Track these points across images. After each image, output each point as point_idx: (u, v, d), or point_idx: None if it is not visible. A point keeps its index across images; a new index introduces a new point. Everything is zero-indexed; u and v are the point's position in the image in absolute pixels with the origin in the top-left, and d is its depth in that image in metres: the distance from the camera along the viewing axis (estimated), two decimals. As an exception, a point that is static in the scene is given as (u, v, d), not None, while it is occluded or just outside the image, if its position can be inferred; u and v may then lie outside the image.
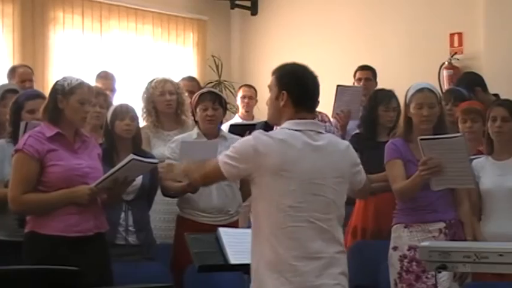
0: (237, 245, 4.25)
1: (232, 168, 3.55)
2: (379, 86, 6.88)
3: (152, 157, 5.04)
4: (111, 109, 5.24)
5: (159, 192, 5.33)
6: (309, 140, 3.54)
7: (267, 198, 3.50)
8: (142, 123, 5.90)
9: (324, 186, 3.52)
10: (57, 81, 4.51)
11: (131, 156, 4.49)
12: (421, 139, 4.57)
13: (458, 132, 5.28)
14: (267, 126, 6.09)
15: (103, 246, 4.54)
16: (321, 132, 3.62)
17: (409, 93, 4.84)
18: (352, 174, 3.70)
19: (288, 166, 3.47)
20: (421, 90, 4.81)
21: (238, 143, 3.63)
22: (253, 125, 6.08)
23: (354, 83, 7.18)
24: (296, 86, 3.62)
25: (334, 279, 3.50)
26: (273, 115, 3.74)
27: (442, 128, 4.80)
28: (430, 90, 4.84)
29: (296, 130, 3.55)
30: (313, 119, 3.69)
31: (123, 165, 4.42)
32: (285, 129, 3.58)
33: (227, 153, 3.59)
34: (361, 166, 3.82)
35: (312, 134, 3.57)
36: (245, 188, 5.41)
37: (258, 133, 3.57)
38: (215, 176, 3.70)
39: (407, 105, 4.83)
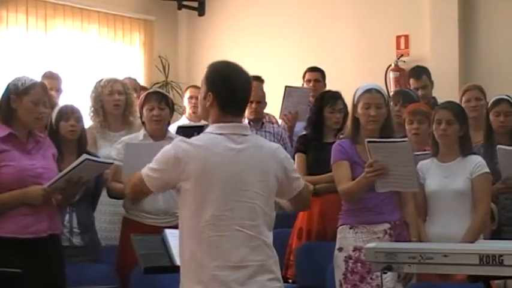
0: (182, 246, 4.21)
1: (155, 180, 3.45)
2: (327, 87, 6.90)
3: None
4: (56, 109, 5.18)
5: (104, 193, 5.28)
6: (231, 144, 3.42)
7: (189, 207, 3.40)
8: (89, 122, 5.85)
9: (248, 192, 3.41)
10: (11, 81, 4.45)
11: (84, 156, 4.45)
12: (368, 141, 4.59)
13: (405, 133, 5.33)
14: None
15: (57, 248, 4.50)
16: (245, 135, 3.50)
17: (357, 94, 4.86)
18: (284, 179, 3.56)
19: (209, 172, 3.36)
20: (369, 90, 4.83)
21: (159, 154, 3.50)
22: (201, 126, 6.04)
23: (303, 85, 7.19)
24: (222, 89, 3.47)
25: (260, 287, 3.39)
26: (201, 113, 3.66)
27: (388, 130, 4.83)
28: (378, 91, 4.86)
29: (218, 134, 3.44)
30: (240, 122, 3.56)
31: (77, 165, 4.38)
32: (207, 134, 3.47)
33: (149, 165, 3.48)
34: (297, 174, 3.71)
35: (235, 137, 3.45)
36: None
37: (177, 141, 3.47)
38: (141, 189, 3.55)
39: (354, 106, 4.85)
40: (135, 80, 7.46)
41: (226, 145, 3.42)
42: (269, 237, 3.48)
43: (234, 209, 3.38)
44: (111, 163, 4.84)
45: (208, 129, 3.51)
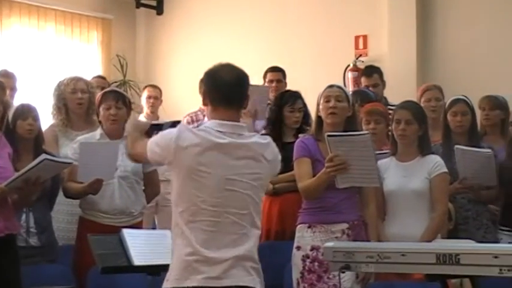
0: (141, 246, 4.20)
1: (154, 154, 3.58)
2: (287, 87, 6.90)
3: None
4: (13, 109, 5.12)
5: (61, 193, 5.23)
6: (228, 138, 3.54)
7: (183, 191, 3.51)
8: (51, 120, 5.80)
9: (241, 183, 3.53)
10: None
11: (43, 156, 4.41)
12: (329, 135, 4.59)
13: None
14: (174, 126, 6.07)
15: (13, 249, 4.45)
16: (242, 134, 3.60)
17: (321, 93, 4.86)
18: (271, 170, 3.70)
19: (205, 161, 3.47)
20: (330, 86, 4.86)
21: (165, 131, 3.65)
22: (161, 125, 6.01)
23: (264, 84, 7.18)
24: (211, 87, 3.64)
25: (246, 271, 3.50)
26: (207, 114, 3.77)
27: (351, 127, 4.82)
28: (339, 87, 4.88)
29: (217, 131, 3.54)
30: (236, 120, 3.64)
31: (35, 165, 4.34)
32: (207, 128, 3.58)
33: (155, 140, 3.62)
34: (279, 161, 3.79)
35: (232, 135, 3.56)
36: (149, 190, 5.37)
37: (182, 126, 3.61)
38: (140, 153, 3.70)
39: (318, 105, 4.86)
40: (104, 78, 7.40)
41: (225, 139, 3.53)
42: (258, 227, 3.63)
43: (226, 197, 3.50)
44: (70, 163, 4.80)
45: (207, 124, 3.62)
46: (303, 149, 4.82)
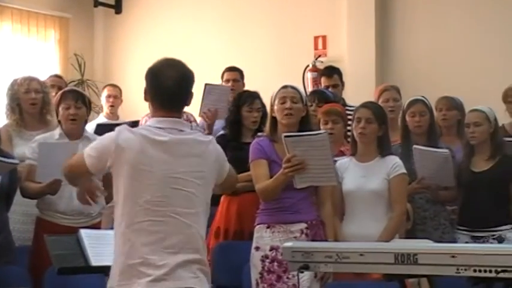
0: (98, 246, 4.16)
1: (94, 160, 3.51)
2: (246, 87, 6.89)
3: (11, 157, 4.88)
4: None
5: (18, 193, 5.17)
6: (171, 135, 3.50)
7: (126, 191, 3.46)
8: (4, 120, 5.73)
9: (184, 180, 3.48)
10: None
11: None
12: (286, 136, 4.59)
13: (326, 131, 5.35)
14: (132, 126, 6.03)
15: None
16: (183, 130, 3.57)
17: (274, 93, 4.87)
18: (216, 169, 3.66)
19: (146, 162, 3.43)
20: (284, 87, 4.86)
21: (102, 136, 3.60)
22: (118, 125, 5.97)
23: (221, 83, 7.16)
24: (151, 84, 3.59)
25: (192, 273, 3.45)
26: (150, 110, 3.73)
27: (307, 127, 4.83)
28: (293, 88, 4.88)
29: (157, 127, 3.51)
30: (179, 116, 3.61)
31: None
32: (148, 126, 3.57)
33: (91, 145, 3.57)
34: (227, 163, 3.77)
35: (173, 131, 3.53)
36: (108, 191, 5.31)
37: (121, 127, 3.55)
38: (79, 168, 3.60)
39: (272, 105, 4.85)
40: (60, 77, 7.33)
41: (167, 136, 3.49)
42: (204, 226, 3.59)
43: (169, 196, 3.45)
44: (17, 163, 4.74)
45: (148, 122, 3.59)
46: (259, 150, 4.80)
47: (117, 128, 3.54)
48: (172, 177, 3.46)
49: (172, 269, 3.39)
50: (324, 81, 7.06)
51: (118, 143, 3.44)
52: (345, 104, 6.61)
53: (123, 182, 3.45)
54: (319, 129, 5.49)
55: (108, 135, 3.52)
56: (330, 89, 6.81)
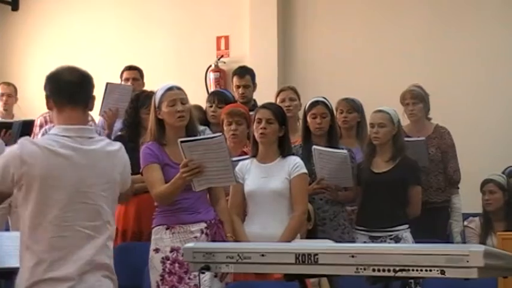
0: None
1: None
2: (146, 87, 6.83)
3: None
4: None
5: None
6: (78, 146, 3.43)
7: (32, 206, 3.36)
8: None
9: (93, 194, 3.43)
10: None
11: None
12: (182, 141, 4.53)
13: (222, 133, 5.33)
14: (25, 126, 5.90)
15: None
16: (91, 137, 3.50)
17: (158, 96, 4.76)
18: (122, 178, 3.61)
19: (54, 175, 3.36)
20: (170, 88, 4.77)
21: (6, 152, 3.50)
22: (10, 123, 5.86)
23: (121, 83, 7.08)
24: (53, 89, 3.51)
25: (98, 281, 3.42)
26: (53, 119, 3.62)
27: (193, 128, 4.79)
28: (179, 88, 4.80)
29: (64, 136, 3.43)
30: (83, 122, 3.55)
31: None
32: (53, 135, 3.46)
33: None
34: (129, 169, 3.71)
35: (81, 140, 3.45)
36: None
37: (24, 140, 3.44)
38: None
39: (157, 108, 4.75)
40: None
41: (73, 147, 3.42)
42: (112, 237, 3.54)
43: (78, 210, 3.39)
44: None
45: (53, 131, 3.50)
46: (150, 155, 4.71)
47: (19, 141, 3.44)
48: (81, 191, 3.41)
49: (77, 280, 3.35)
50: (235, 81, 6.99)
51: (23, 159, 3.34)
52: (255, 105, 6.58)
53: (31, 197, 3.35)
54: (221, 129, 5.48)
55: (11, 151, 3.42)
56: (240, 89, 6.78)
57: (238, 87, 6.82)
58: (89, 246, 3.40)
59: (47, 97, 3.53)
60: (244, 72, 7.02)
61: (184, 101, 4.73)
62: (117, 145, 3.65)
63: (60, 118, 3.49)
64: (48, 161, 3.36)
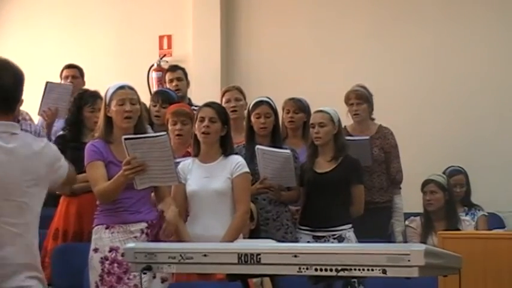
0: None
1: None
2: (88, 85, 6.76)
3: None
4: None
5: None
6: (1, 143, 3.32)
7: None
8: None
9: (17, 191, 3.33)
10: None
11: None
12: (126, 138, 4.50)
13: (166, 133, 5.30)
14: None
15: None
16: (15, 133, 3.39)
17: (109, 93, 4.75)
18: (51, 174, 3.50)
19: None
20: (122, 87, 4.75)
21: None
22: None
23: (61, 81, 7.00)
24: None
25: (19, 283, 3.30)
26: None
27: (141, 128, 4.77)
28: (131, 88, 4.78)
29: None
30: (8, 120, 3.41)
31: None
32: None
33: None
34: (62, 161, 3.60)
35: (4, 136, 3.34)
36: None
37: None
38: None
39: (107, 106, 4.73)
40: None
41: None
42: (36, 234, 3.44)
43: (1, 207, 3.28)
44: None
45: None
46: (94, 152, 4.68)
47: None
48: (4, 188, 3.29)
49: (4, 280, 3.25)
50: (168, 76, 6.97)
51: None
52: (190, 104, 6.58)
53: None
54: (166, 129, 5.44)
55: None
56: (174, 83, 6.75)
57: (171, 81, 6.80)
58: (14, 244, 3.30)
59: None
60: (176, 68, 7.00)
61: (134, 101, 4.71)
62: (43, 141, 3.56)
63: None
64: None
